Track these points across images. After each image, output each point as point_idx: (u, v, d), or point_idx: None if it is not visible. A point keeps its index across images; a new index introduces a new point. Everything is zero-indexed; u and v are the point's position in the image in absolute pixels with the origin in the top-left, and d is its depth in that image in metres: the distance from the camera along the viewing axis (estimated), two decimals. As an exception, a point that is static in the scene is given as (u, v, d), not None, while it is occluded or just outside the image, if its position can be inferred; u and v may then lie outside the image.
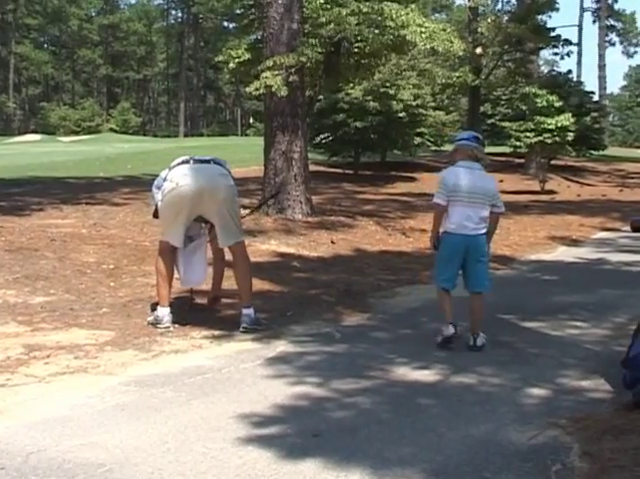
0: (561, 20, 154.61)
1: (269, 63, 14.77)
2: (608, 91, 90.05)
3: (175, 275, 7.70)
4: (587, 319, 8.08)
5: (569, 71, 45.92)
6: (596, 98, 51.48)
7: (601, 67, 76.77)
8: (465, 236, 6.84)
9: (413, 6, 17.64)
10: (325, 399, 5.26)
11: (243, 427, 4.67)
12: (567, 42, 31.54)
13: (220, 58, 22.77)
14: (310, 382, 5.62)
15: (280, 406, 5.09)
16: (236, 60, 20.57)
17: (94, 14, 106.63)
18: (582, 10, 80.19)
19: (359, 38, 17.72)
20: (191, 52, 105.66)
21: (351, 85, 26.71)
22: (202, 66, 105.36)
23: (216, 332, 7.09)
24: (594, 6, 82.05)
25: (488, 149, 42.84)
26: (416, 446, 4.40)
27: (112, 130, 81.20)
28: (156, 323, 7.19)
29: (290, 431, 4.64)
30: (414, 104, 31.88)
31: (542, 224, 17.96)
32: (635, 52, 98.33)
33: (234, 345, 6.73)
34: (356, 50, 18.76)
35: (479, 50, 23.14)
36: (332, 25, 16.46)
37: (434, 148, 39.97)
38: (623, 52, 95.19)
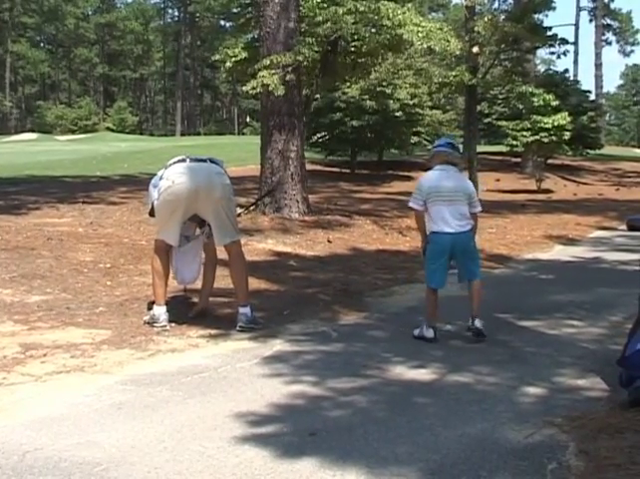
0: (558, 19, 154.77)
1: (266, 62, 14.76)
2: (605, 90, 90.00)
3: (171, 274, 7.71)
4: (583, 318, 8.09)
5: (566, 70, 46.00)
6: (593, 97, 51.55)
7: (598, 66, 76.83)
8: (449, 234, 7.01)
9: (409, 5, 17.65)
10: (321, 398, 5.26)
11: (240, 426, 4.67)
12: (564, 41, 31.47)
13: (217, 57, 22.77)
14: (307, 381, 5.62)
15: (277, 405, 5.09)
16: (233, 59, 20.57)
17: (90, 13, 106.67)
18: (579, 9, 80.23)
19: (356, 37, 17.73)
20: (188, 51, 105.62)
21: (348, 84, 26.71)
22: (199, 65, 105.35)
23: (213, 331, 7.09)
24: (591, 5, 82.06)
25: (485, 148, 43.08)
26: (412, 445, 4.40)
27: (108, 129, 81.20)
28: (152, 322, 7.19)
29: (287, 430, 4.64)
30: (410, 103, 31.92)
31: (539, 223, 17.97)
32: (632, 51, 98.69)
33: (231, 344, 6.73)
34: (353, 49, 18.76)
35: (475, 49, 23.06)
36: (329, 24, 16.46)
37: (430, 147, 39.96)
38: (619, 51, 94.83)
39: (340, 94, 30.25)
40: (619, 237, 15.62)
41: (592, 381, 5.76)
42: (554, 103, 28.97)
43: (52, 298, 8.12)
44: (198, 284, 8.11)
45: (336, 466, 4.07)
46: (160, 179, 7.34)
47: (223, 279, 8.59)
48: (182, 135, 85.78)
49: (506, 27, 23.30)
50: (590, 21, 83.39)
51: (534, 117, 30.49)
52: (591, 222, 18.62)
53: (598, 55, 77.39)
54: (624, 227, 16.98)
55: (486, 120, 39.31)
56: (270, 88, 14.49)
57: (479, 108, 31.81)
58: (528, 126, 31.20)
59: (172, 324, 7.23)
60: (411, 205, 7.33)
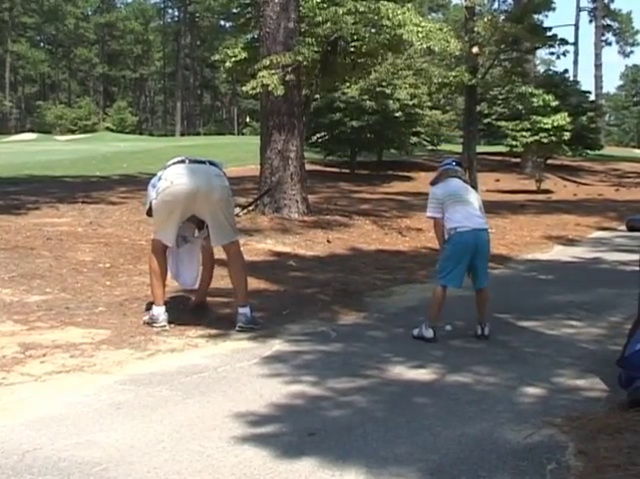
0: (558, 19, 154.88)
1: (266, 62, 14.76)
2: (604, 90, 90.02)
3: (169, 275, 7.71)
4: (583, 318, 8.09)
5: (566, 70, 45.97)
6: (592, 97, 51.54)
7: (597, 66, 76.84)
8: (475, 230, 7.15)
9: (409, 5, 17.61)
10: (321, 398, 5.26)
11: (239, 426, 4.67)
12: (564, 41, 31.53)
13: (217, 57, 22.78)
14: (306, 381, 5.62)
15: (276, 405, 5.09)
16: (233, 59, 20.56)
17: (90, 13, 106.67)
18: (579, 9, 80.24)
19: (355, 37, 17.71)
20: (188, 51, 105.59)
21: (347, 84, 26.71)
22: (199, 65, 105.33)
23: (212, 331, 7.09)
24: (591, 6, 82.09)
25: (485, 148, 43.10)
26: (411, 445, 4.40)
27: (108, 129, 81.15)
28: (151, 322, 7.19)
29: (286, 430, 4.64)
30: (410, 103, 31.93)
31: (538, 223, 17.97)
32: (631, 52, 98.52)
33: (230, 344, 6.73)
34: (352, 49, 18.75)
35: (475, 49, 23.08)
36: (328, 24, 16.45)
37: (430, 147, 40.03)
38: (619, 51, 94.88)
39: (340, 94, 30.25)
40: (619, 237, 15.62)
41: (592, 382, 5.76)
42: (554, 103, 29.03)
43: (51, 298, 8.12)
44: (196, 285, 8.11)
45: (335, 466, 4.07)
46: (159, 179, 7.34)
47: (222, 279, 8.59)
48: (182, 135, 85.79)
49: (506, 27, 23.31)
50: (590, 22, 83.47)
51: (534, 117, 30.51)
52: (591, 222, 18.62)
53: (598, 55, 77.41)
54: (624, 227, 16.99)
55: (486, 120, 39.31)
56: (270, 88, 14.48)
57: (478, 108, 31.80)
58: (528, 126, 31.21)
59: (172, 324, 7.23)
60: (429, 215, 7.44)
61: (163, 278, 7.45)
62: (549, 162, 37.19)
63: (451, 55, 19.86)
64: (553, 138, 31.12)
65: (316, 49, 16.02)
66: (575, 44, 74.12)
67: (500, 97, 35.82)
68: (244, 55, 20.30)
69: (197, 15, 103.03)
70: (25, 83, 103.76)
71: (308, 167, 18.62)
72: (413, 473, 4.02)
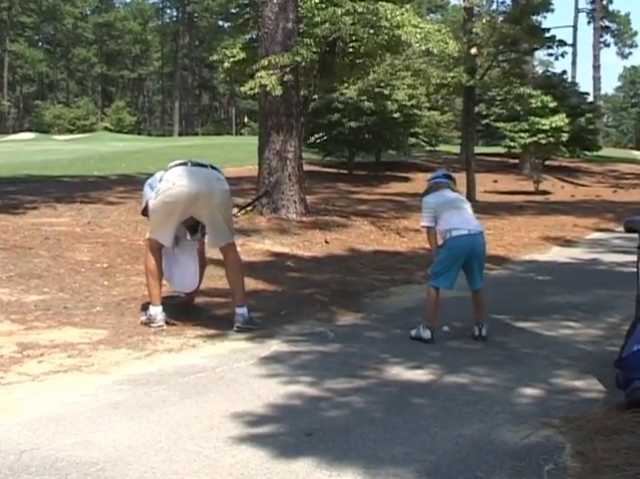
0: (556, 21, 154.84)
1: (264, 62, 14.76)
2: (603, 92, 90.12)
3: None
4: (580, 319, 8.10)
5: (564, 72, 45.89)
6: (591, 99, 51.52)
7: (596, 68, 76.82)
8: (471, 233, 7.18)
9: (408, 6, 17.59)
10: (318, 399, 5.26)
11: (236, 426, 4.68)
12: (562, 43, 31.42)
13: (215, 57, 22.70)
14: (303, 382, 5.63)
15: (273, 405, 5.09)
16: (231, 59, 20.51)
17: (89, 12, 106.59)
18: (577, 11, 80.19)
19: (354, 38, 17.69)
20: (186, 51, 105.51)
21: (346, 85, 26.68)
22: (197, 65, 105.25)
23: (210, 332, 7.09)
24: (589, 7, 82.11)
25: (483, 149, 43.05)
26: (409, 446, 4.40)
27: (106, 129, 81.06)
28: (149, 322, 7.19)
29: (283, 430, 4.64)
30: (408, 104, 31.89)
31: (536, 224, 17.99)
32: (630, 53, 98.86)
33: (228, 345, 6.73)
34: (351, 50, 18.73)
35: (473, 50, 23.07)
36: (327, 25, 16.43)
37: (428, 148, 40.05)
38: (618, 53, 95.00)
39: (338, 95, 30.21)
40: (616, 238, 15.62)
41: (589, 383, 5.77)
42: (552, 104, 29.05)
43: (49, 298, 8.11)
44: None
45: (332, 466, 4.07)
46: (160, 181, 7.34)
47: (220, 280, 8.60)
48: (180, 135, 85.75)
49: (505, 28, 23.31)
50: (589, 23, 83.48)
51: (532, 118, 30.53)
52: (589, 223, 18.64)
53: (596, 57, 77.40)
54: (621, 228, 16.94)
55: (484, 121, 39.29)
56: (268, 88, 14.49)
57: (476, 109, 31.84)
58: (526, 127, 31.23)
59: (169, 324, 7.23)
60: (423, 224, 7.50)
61: (160, 278, 7.47)
62: (547, 163, 37.21)
63: (449, 56, 19.86)
64: (551, 139, 31.15)
65: (314, 49, 16.00)
66: (574, 45, 74.26)
67: (499, 98, 35.78)
68: (243, 55, 20.27)
69: (196, 15, 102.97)
70: (23, 82, 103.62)
71: (306, 167, 18.62)
72: (410, 473, 4.02)
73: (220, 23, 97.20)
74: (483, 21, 23.72)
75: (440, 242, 7.31)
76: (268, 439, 4.47)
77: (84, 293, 8.40)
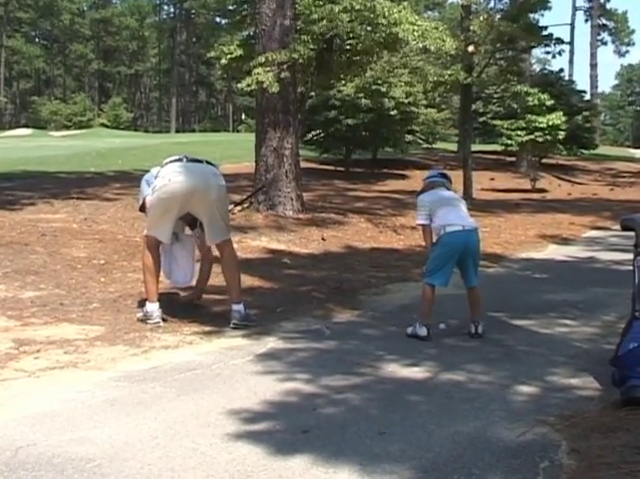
0: (553, 19, 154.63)
1: (261, 59, 14.76)
2: (600, 90, 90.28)
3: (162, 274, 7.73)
4: (577, 317, 8.11)
5: (561, 70, 46.04)
6: (588, 97, 51.60)
7: (593, 66, 76.86)
8: (465, 230, 7.20)
9: (405, 4, 17.60)
10: (315, 396, 5.27)
11: (233, 423, 4.68)
12: (559, 41, 31.53)
13: (212, 54, 22.71)
14: (300, 379, 5.63)
15: (270, 402, 5.09)
16: (228, 56, 20.54)
17: (86, 8, 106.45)
18: (574, 9, 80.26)
19: (351, 35, 17.71)
20: (184, 47, 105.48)
21: (343, 82, 26.67)
22: (194, 62, 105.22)
23: (207, 328, 7.09)
24: (586, 5, 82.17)
25: (480, 147, 43.10)
26: (405, 443, 4.41)
27: (103, 125, 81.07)
28: (145, 319, 7.19)
29: (280, 427, 4.64)
30: (405, 101, 31.86)
31: (533, 222, 18.00)
32: (627, 51, 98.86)
33: (224, 341, 6.73)
34: (348, 47, 18.74)
35: (471, 48, 23.03)
36: (324, 22, 16.44)
37: (425, 145, 40.04)
38: (615, 51, 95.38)
39: (335, 92, 30.17)
40: (613, 236, 15.64)
41: (585, 380, 5.77)
42: (549, 102, 29.03)
43: (45, 294, 8.11)
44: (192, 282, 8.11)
45: (329, 463, 4.08)
46: (156, 177, 7.34)
47: (217, 277, 8.60)
48: (177, 131, 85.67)
49: (502, 26, 23.30)
50: (586, 21, 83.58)
51: (529, 116, 30.52)
52: (585, 221, 18.65)
53: (593, 55, 77.43)
54: (618, 226, 16.94)
55: (481, 119, 39.34)
56: (265, 85, 14.49)
57: (473, 107, 31.85)
58: (523, 125, 31.21)
59: (166, 321, 7.23)
60: (419, 222, 7.52)
61: (157, 275, 7.47)
62: (544, 161, 37.22)
63: (446, 53, 19.82)
64: (548, 137, 31.14)
65: (312, 46, 16.00)
66: (571, 43, 74.28)
67: (496, 96, 35.80)
68: (240, 52, 20.29)
69: (193, 12, 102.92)
70: (20, 78, 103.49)
71: (303, 164, 18.63)
72: (406, 471, 4.02)
73: (218, 20, 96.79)
74: (481, 19, 23.69)
75: (434, 240, 7.32)
76: (265, 436, 4.48)
77: (80, 290, 8.40)
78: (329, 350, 6.55)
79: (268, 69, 14.63)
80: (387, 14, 15.98)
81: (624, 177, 37.74)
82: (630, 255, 6.06)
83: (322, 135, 32.78)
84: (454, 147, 45.19)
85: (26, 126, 77.92)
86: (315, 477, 3.95)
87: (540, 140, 31.16)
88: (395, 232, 14.95)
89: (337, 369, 5.89)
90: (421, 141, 38.08)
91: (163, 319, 7.24)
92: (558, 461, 4.17)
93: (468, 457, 4.21)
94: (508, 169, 37.00)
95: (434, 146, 41.88)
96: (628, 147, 79.09)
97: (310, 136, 32.82)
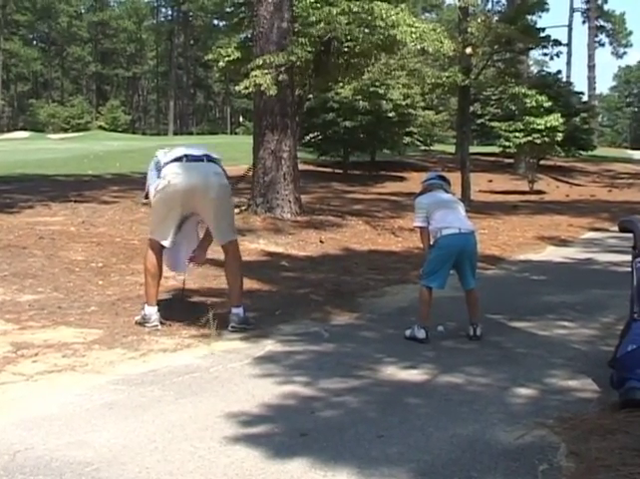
0: (551, 20, 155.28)
1: (259, 62, 14.76)
2: (597, 91, 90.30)
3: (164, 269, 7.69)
4: (575, 319, 8.11)
5: (559, 71, 46.18)
6: (585, 98, 51.65)
7: (591, 67, 77.01)
8: (462, 232, 7.19)
9: (403, 6, 17.59)
10: (313, 398, 5.26)
11: (231, 426, 4.67)
12: (557, 42, 31.46)
13: (210, 56, 22.71)
14: (298, 381, 5.62)
15: (268, 405, 5.09)
16: (226, 58, 20.53)
17: (83, 11, 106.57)
18: (572, 10, 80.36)
19: (349, 37, 17.69)
20: (181, 50, 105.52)
21: (341, 84, 26.67)
22: (192, 64, 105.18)
23: (205, 331, 7.06)
24: (584, 7, 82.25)
25: (478, 149, 43.14)
26: (403, 446, 4.40)
27: (101, 127, 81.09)
28: (143, 322, 7.18)
29: (278, 430, 4.64)
30: (403, 103, 31.91)
31: (531, 224, 18.00)
32: (624, 53, 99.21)
33: (223, 344, 6.72)
34: (346, 49, 18.73)
35: (468, 50, 23.03)
36: (322, 24, 16.43)
37: (423, 147, 40.08)
38: (612, 52, 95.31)
39: (333, 94, 30.19)
40: (611, 238, 15.64)
41: (583, 382, 5.77)
42: (547, 104, 28.99)
43: (43, 297, 8.11)
44: (193, 285, 8.10)
45: (327, 466, 4.07)
46: (159, 169, 7.29)
47: (214, 280, 8.61)
48: (175, 134, 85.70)
49: (500, 28, 23.29)
50: (583, 22, 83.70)
51: (527, 118, 30.52)
52: (583, 223, 18.66)
53: (591, 56, 77.58)
54: (616, 228, 16.93)
55: (479, 121, 39.38)
56: (263, 88, 14.48)
57: (471, 109, 31.87)
58: (521, 127, 31.24)
59: (164, 324, 7.22)
60: (416, 224, 7.51)
61: (158, 279, 7.43)
62: (542, 162, 37.23)
63: (444, 55, 19.82)
64: (546, 138, 31.15)
65: (309, 49, 16.00)
66: (568, 45, 74.42)
67: (494, 97, 35.85)
68: (238, 54, 20.27)
69: (191, 14, 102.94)
70: (18, 81, 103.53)
71: (301, 167, 18.62)
72: (404, 474, 4.02)
73: (215, 22, 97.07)
74: (479, 20, 23.69)
75: (432, 242, 7.32)
76: (263, 439, 4.47)
77: (78, 293, 8.39)
78: (327, 353, 6.54)
79: (266, 71, 14.63)
80: (385, 16, 15.97)
81: (622, 178, 37.78)
82: (628, 257, 6.06)
83: (320, 137, 32.81)
84: (452, 149, 45.23)
85: (24, 129, 78.02)
86: (313, 480, 3.96)
87: (538, 141, 31.18)
88: (393, 234, 14.95)
89: (335, 372, 5.89)
90: (419, 143, 38.09)
91: (162, 323, 7.23)
92: (557, 464, 4.17)
93: (466, 460, 4.21)
94: (506, 170, 37.05)
95: (432, 148, 41.93)
96: (626, 148, 79.19)
97: (308, 138, 32.85)
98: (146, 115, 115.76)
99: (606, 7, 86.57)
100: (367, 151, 35.65)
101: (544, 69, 66.40)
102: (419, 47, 16.86)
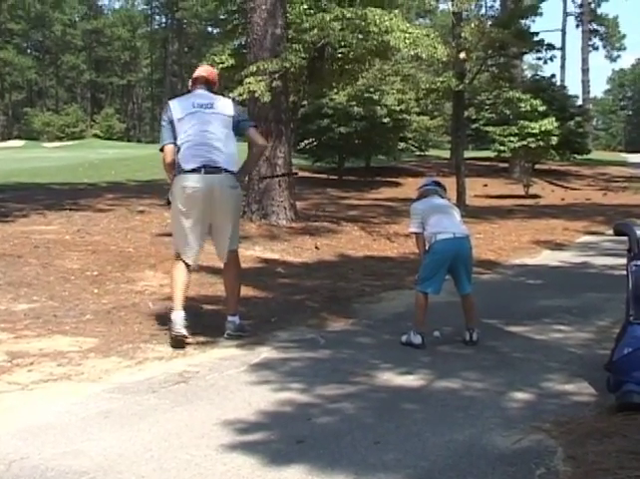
0: (545, 24, 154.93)
1: (253, 68, 14.77)
2: (592, 95, 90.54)
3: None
4: (571, 323, 8.11)
5: (553, 75, 46.10)
6: (580, 102, 51.79)
7: (584, 71, 77.15)
8: (457, 237, 7.19)
9: (396, 12, 17.63)
10: (309, 405, 5.25)
11: (227, 434, 4.66)
12: (551, 46, 31.53)
13: (204, 63, 22.76)
14: (294, 388, 5.61)
15: (264, 412, 5.08)
16: (220, 65, 20.54)
17: (77, 19, 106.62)
18: (565, 14, 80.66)
19: (343, 43, 17.75)
20: (176, 57, 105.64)
21: (335, 90, 26.72)
22: (187, 71, 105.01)
23: (200, 339, 7.06)
24: (577, 10, 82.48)
25: (473, 153, 43.19)
26: (400, 452, 4.39)
27: (96, 136, 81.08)
28: (169, 328, 6.94)
29: (274, 437, 4.63)
30: (398, 109, 31.95)
31: (526, 228, 18.02)
32: (618, 56, 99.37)
33: (218, 352, 6.71)
34: (340, 55, 18.79)
35: (462, 55, 23.07)
36: (316, 30, 16.47)
37: (418, 153, 40.11)
38: (606, 56, 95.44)
39: (327, 100, 30.23)
40: (606, 241, 15.65)
41: (580, 386, 5.77)
42: (541, 108, 29.11)
43: (39, 306, 8.09)
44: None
45: (324, 473, 4.06)
46: (167, 116, 7.20)
47: (210, 287, 8.60)
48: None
49: (493, 33, 23.34)
50: (577, 26, 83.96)
51: (522, 122, 30.56)
52: (579, 226, 18.68)
53: (585, 60, 77.72)
54: (612, 231, 16.93)
55: (474, 125, 39.41)
56: (257, 94, 14.50)
57: (466, 113, 31.91)
58: (516, 131, 31.25)
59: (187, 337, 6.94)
60: (411, 230, 7.51)
61: (184, 287, 7.11)
62: (537, 166, 37.27)
63: (438, 61, 19.86)
64: (541, 142, 31.18)
65: (303, 55, 16.03)
66: (562, 49, 74.62)
67: (488, 102, 35.85)
68: (232, 62, 20.33)
69: (185, 22, 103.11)
70: (12, 90, 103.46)
71: (296, 173, 18.59)
72: (401, 480, 4.01)
73: (209, 29, 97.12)
74: (472, 25, 23.73)
75: (427, 247, 7.31)
76: (259, 446, 4.46)
77: (74, 302, 8.37)
78: (323, 359, 6.53)
79: (260, 78, 14.64)
80: (378, 22, 16.01)
81: (617, 181, 37.81)
82: (624, 260, 6.06)
83: (315, 143, 32.85)
84: (447, 154, 45.28)
85: (18, 137, 78.08)
86: (310, 487, 3.95)
87: (533, 145, 31.21)
88: (388, 239, 14.95)
89: (331, 378, 5.87)
90: (414, 148, 38.17)
91: (185, 335, 6.86)
92: (554, 468, 4.16)
93: (463, 465, 4.20)
94: (501, 175, 37.08)
95: (427, 153, 41.94)
96: (621, 151, 79.36)
97: (303, 144, 32.91)
98: (140, 122, 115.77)
99: (599, 11, 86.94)
100: (362, 156, 35.69)
101: (538, 73, 66.44)
102: (412, 52, 16.91)
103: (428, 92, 24.77)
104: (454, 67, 23.62)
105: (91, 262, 10.43)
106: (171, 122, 7.18)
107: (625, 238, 6.12)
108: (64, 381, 5.72)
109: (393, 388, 5.70)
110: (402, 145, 35.69)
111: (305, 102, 26.08)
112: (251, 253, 12.17)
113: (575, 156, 40.07)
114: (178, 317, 6.89)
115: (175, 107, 7.30)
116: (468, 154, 33.76)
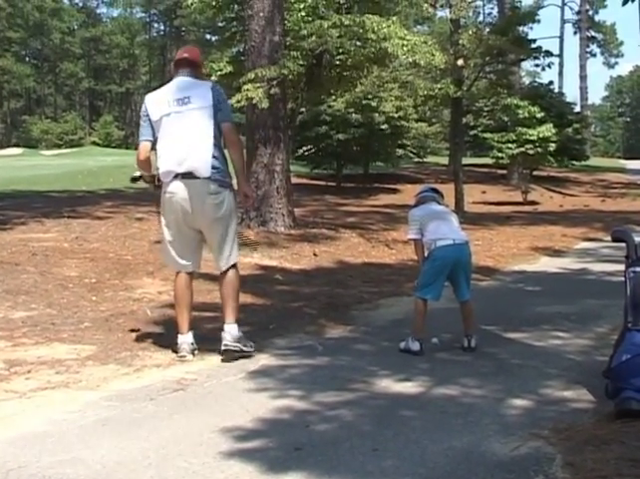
0: (543, 32, 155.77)
1: (251, 75, 14.78)
2: (590, 101, 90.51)
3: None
4: (570, 330, 8.09)
5: (551, 82, 46.15)
6: (578, 108, 51.86)
7: (582, 78, 77.27)
8: (456, 243, 7.18)
9: (394, 19, 17.67)
10: (307, 412, 5.24)
11: (225, 441, 4.65)
12: (548, 53, 31.50)
13: (203, 71, 22.80)
14: (292, 395, 5.60)
15: (262, 420, 5.06)
16: (218, 73, 20.59)
17: (76, 27, 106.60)
18: (563, 22, 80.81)
19: (341, 50, 17.78)
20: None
21: (333, 97, 26.77)
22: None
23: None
24: (575, 17, 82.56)
25: (471, 160, 43.17)
26: (398, 459, 4.38)
27: (94, 143, 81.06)
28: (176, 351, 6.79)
29: (272, 445, 4.62)
30: (396, 116, 32.00)
31: (525, 234, 18.01)
32: (616, 63, 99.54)
33: (216, 359, 6.69)
34: (338, 62, 18.81)
35: (460, 62, 23.11)
36: (314, 37, 16.50)
37: (416, 159, 40.15)
38: (604, 63, 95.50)
39: (325, 107, 30.29)
40: (605, 248, 15.63)
41: (578, 393, 5.75)
42: (539, 115, 29.12)
43: (37, 314, 8.08)
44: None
45: (322, 481, 4.06)
46: (145, 114, 7.01)
47: (208, 294, 8.59)
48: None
49: (491, 40, 23.39)
50: (575, 33, 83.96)
51: (520, 129, 30.61)
52: (577, 233, 18.68)
53: (583, 67, 77.85)
54: (609, 238, 16.90)
55: (472, 132, 39.50)
56: (255, 101, 14.50)
57: (464, 120, 31.91)
58: (514, 138, 31.30)
59: (195, 355, 6.85)
60: (410, 237, 7.50)
61: (187, 306, 6.92)
62: (535, 173, 37.31)
63: (436, 68, 19.91)
64: (539, 149, 31.24)
65: (301, 62, 16.05)
66: (560, 56, 74.71)
67: (486, 109, 35.89)
68: (230, 69, 20.35)
69: (183, 29, 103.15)
70: (10, 98, 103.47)
71: (294, 180, 18.65)
72: (400, 487, 4.01)
73: (208, 37, 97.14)
74: (470, 33, 23.79)
75: (426, 254, 7.31)
76: (257, 454, 4.45)
77: (72, 309, 8.36)
78: (322, 366, 6.52)
79: (258, 85, 14.65)
80: (376, 29, 16.04)
81: (615, 188, 37.87)
82: (622, 267, 6.05)
83: (313, 150, 32.89)
84: (445, 160, 45.31)
85: (17, 145, 77.95)
86: (308, 495, 3.94)
87: (531, 152, 31.26)
88: (387, 246, 14.95)
89: (330, 385, 5.86)
90: (412, 155, 38.20)
91: (193, 353, 6.78)
92: (553, 475, 4.15)
93: (462, 472, 4.19)
94: (500, 181, 37.12)
95: (425, 160, 42.03)
96: (619, 158, 79.46)
97: (301, 151, 32.96)
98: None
99: (597, 18, 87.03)
100: (360, 163, 35.73)
101: (536, 80, 66.36)
102: (410, 59, 16.95)
103: (426, 99, 24.80)
104: (452, 74, 23.65)
105: (89, 270, 10.43)
106: (149, 118, 6.98)
107: (623, 244, 6.11)
108: (62, 389, 5.71)
109: (391, 395, 5.69)
110: (400, 151, 35.73)
111: (303, 109, 26.07)
112: (249, 260, 12.17)
113: (573, 162, 40.13)
114: (185, 343, 6.75)
115: (152, 106, 6.98)
116: (466, 160, 33.83)
